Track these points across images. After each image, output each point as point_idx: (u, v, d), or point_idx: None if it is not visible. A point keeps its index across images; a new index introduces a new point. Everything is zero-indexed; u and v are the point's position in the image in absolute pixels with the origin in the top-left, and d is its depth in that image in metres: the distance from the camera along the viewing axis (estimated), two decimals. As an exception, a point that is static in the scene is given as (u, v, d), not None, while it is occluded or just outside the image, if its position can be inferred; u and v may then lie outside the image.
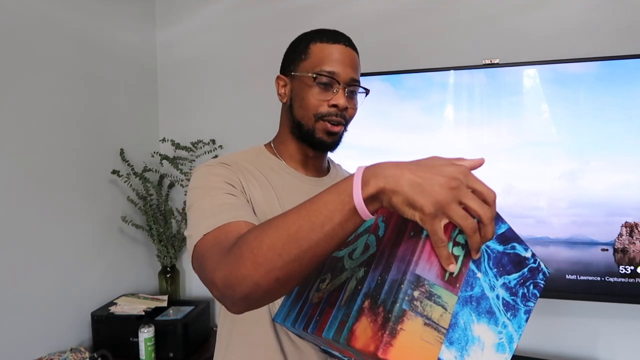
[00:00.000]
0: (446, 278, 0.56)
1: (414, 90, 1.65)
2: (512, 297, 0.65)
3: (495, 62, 1.58)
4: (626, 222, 1.45)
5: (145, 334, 1.64)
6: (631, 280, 1.45)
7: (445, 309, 0.55)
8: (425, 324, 0.54)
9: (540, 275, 0.69)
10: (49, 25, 1.63)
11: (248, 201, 0.83)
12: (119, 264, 1.94)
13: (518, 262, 0.66)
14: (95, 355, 1.58)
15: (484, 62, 1.59)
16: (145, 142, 2.11)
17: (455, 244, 0.57)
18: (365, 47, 1.95)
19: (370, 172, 0.53)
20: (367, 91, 0.94)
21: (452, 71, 1.61)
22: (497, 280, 0.63)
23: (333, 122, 0.87)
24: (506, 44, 1.72)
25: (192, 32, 2.14)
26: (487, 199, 0.53)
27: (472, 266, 0.60)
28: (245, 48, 2.06)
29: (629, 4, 1.61)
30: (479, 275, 0.61)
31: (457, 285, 0.57)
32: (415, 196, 0.51)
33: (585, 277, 1.48)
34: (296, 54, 0.92)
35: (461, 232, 0.56)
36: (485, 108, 1.59)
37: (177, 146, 2.02)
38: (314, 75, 0.87)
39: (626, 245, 1.45)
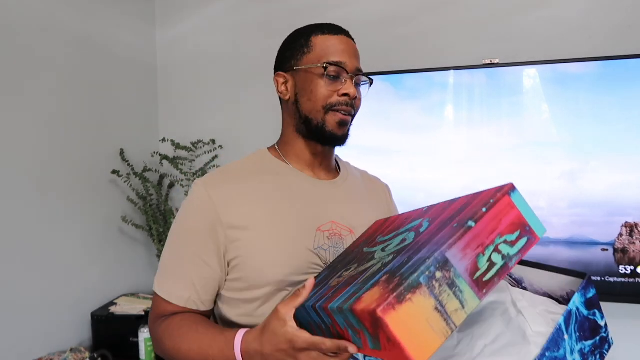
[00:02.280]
0: (475, 277, 0.54)
1: (414, 90, 1.65)
2: None
3: (495, 62, 1.58)
4: (626, 222, 1.45)
5: (145, 334, 1.64)
6: (631, 280, 1.45)
7: (463, 307, 0.53)
8: (437, 309, 0.51)
9: (607, 346, 0.69)
10: (49, 25, 1.63)
11: (215, 244, 0.84)
12: (119, 264, 1.94)
13: (594, 330, 0.66)
14: (95, 355, 1.58)
15: (484, 62, 1.60)
16: (145, 142, 2.11)
17: (497, 250, 0.56)
18: (365, 47, 1.95)
19: (249, 357, 0.72)
20: (371, 82, 0.93)
21: (452, 71, 1.61)
22: (577, 344, 0.63)
23: (344, 112, 0.86)
24: (506, 44, 1.72)
25: (192, 32, 2.14)
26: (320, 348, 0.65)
27: (562, 325, 0.60)
28: (245, 48, 2.06)
29: (629, 4, 1.61)
30: (565, 336, 0.61)
31: (484, 291, 0.55)
32: None
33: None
34: (296, 48, 0.90)
35: (505, 242, 0.56)
36: (485, 108, 1.59)
37: (177, 146, 2.02)
38: (324, 66, 0.85)
39: (626, 245, 1.45)
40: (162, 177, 2.07)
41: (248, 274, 0.83)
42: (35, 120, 1.57)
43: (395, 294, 0.49)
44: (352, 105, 0.87)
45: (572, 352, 0.63)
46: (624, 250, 1.45)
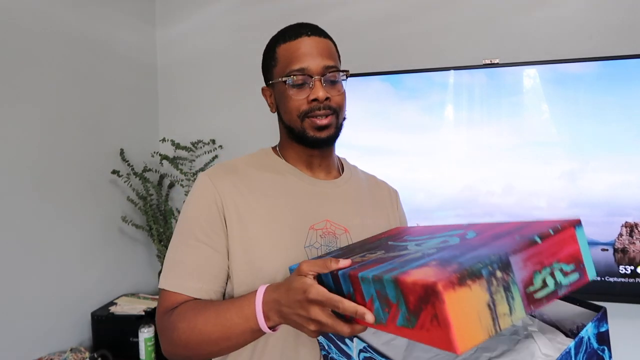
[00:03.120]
0: (528, 290, 0.54)
1: (414, 90, 1.65)
2: None
3: (495, 62, 1.58)
4: (626, 222, 1.45)
5: (145, 334, 1.64)
6: (631, 280, 1.45)
7: (511, 313, 0.52)
8: (489, 305, 0.50)
9: None
10: (49, 25, 1.62)
11: (223, 231, 0.85)
12: (119, 264, 1.94)
13: None
14: (95, 355, 1.58)
15: (484, 62, 1.59)
16: (145, 142, 2.11)
17: (552, 274, 0.57)
18: (365, 47, 1.96)
19: (268, 308, 0.71)
20: (346, 74, 0.90)
21: (452, 71, 1.61)
22: None
23: (319, 116, 0.84)
24: (506, 44, 1.72)
25: (192, 32, 2.14)
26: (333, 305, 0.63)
27: (572, 350, 0.60)
28: (246, 48, 2.06)
29: (629, 4, 1.61)
30: None
31: (532, 307, 0.55)
32: (296, 325, 0.69)
33: None
34: (268, 62, 0.91)
35: (561, 270, 0.58)
36: (485, 108, 1.59)
37: (177, 146, 2.02)
38: (284, 79, 0.85)
39: (626, 245, 1.45)
40: (162, 177, 2.07)
41: (239, 267, 0.84)
42: (35, 120, 1.57)
43: (457, 275, 0.49)
44: (328, 107, 0.85)
45: None
46: (624, 250, 1.45)
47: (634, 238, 1.45)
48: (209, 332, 0.75)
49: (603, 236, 1.47)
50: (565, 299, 0.73)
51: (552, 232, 0.58)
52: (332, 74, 0.86)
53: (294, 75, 0.84)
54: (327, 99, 0.84)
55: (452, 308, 0.47)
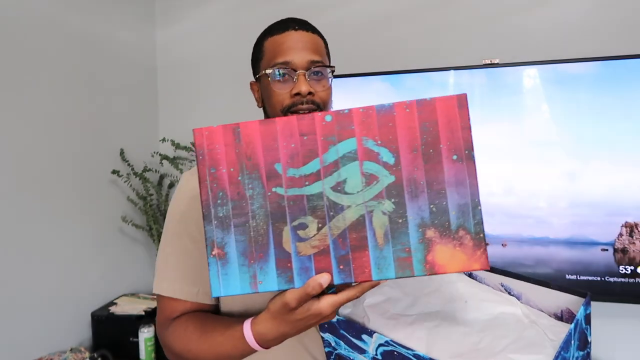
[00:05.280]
0: None
1: (414, 90, 1.64)
2: None
3: (495, 62, 1.58)
4: (626, 222, 1.45)
5: (145, 334, 1.64)
6: (631, 280, 1.45)
7: None
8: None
9: None
10: (49, 25, 1.62)
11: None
12: (119, 264, 1.94)
13: (585, 343, 0.71)
14: (95, 355, 1.58)
15: (484, 62, 1.59)
16: (145, 142, 2.11)
17: None
18: (365, 47, 1.96)
19: (261, 338, 0.69)
20: (332, 70, 0.88)
21: (452, 71, 1.61)
22: (576, 352, 0.68)
23: (302, 111, 0.82)
24: (506, 44, 1.72)
25: (192, 32, 2.14)
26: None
27: (572, 330, 0.65)
28: (246, 48, 2.04)
29: (629, 4, 1.61)
30: (572, 341, 0.65)
31: None
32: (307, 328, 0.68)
33: (585, 277, 1.48)
34: (255, 56, 0.90)
35: None
36: (485, 108, 1.59)
37: (177, 146, 2.01)
38: (268, 72, 0.84)
39: (626, 245, 1.45)
40: (162, 177, 2.07)
41: None
42: (35, 120, 1.57)
43: (483, 249, 0.59)
44: (311, 102, 0.83)
45: (572, 357, 0.67)
46: (624, 250, 1.45)
47: (634, 238, 1.45)
48: (204, 355, 0.77)
49: (603, 236, 1.47)
50: (550, 286, 0.82)
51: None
52: (318, 69, 0.85)
53: (277, 68, 0.83)
54: (310, 93, 0.82)
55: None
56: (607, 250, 1.47)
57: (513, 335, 0.73)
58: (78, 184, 1.74)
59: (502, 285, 0.87)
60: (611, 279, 1.46)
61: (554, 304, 0.81)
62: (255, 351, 0.72)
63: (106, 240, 1.87)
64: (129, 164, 1.94)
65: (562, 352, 0.63)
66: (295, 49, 0.84)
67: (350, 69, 1.64)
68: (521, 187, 1.55)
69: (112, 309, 1.75)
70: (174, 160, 1.98)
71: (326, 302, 0.62)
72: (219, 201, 0.63)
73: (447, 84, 1.61)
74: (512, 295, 0.84)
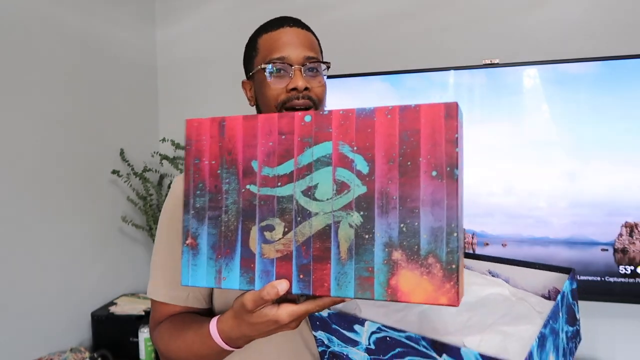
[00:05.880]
0: None
1: (414, 90, 1.64)
2: (566, 346, 0.68)
3: (495, 62, 1.58)
4: (626, 222, 1.45)
5: (145, 334, 1.64)
6: (631, 280, 1.45)
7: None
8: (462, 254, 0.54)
9: (579, 339, 0.73)
10: (49, 25, 1.62)
11: None
12: (119, 264, 1.94)
13: (574, 319, 0.69)
14: (95, 355, 1.58)
15: (484, 62, 1.59)
16: (145, 142, 2.11)
17: None
18: (365, 47, 1.96)
19: (225, 336, 0.69)
20: (328, 66, 0.87)
21: (452, 71, 1.61)
22: (564, 325, 0.66)
23: (298, 106, 0.82)
24: (506, 44, 1.72)
25: (192, 32, 2.14)
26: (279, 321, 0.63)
27: (559, 302, 0.63)
28: (245, 48, 2.06)
29: (629, 4, 1.61)
30: (560, 313, 0.64)
31: None
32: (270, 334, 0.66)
33: (585, 277, 1.48)
34: (249, 53, 0.90)
35: None
36: (485, 108, 1.59)
37: (177, 146, 2.01)
38: (264, 67, 0.83)
39: (626, 245, 1.45)
40: (162, 177, 2.07)
41: None
42: (35, 120, 1.57)
43: (453, 282, 0.50)
44: (307, 97, 0.82)
45: (561, 330, 0.66)
46: (624, 250, 1.45)
47: (634, 238, 1.45)
48: (181, 355, 0.78)
49: (603, 236, 1.47)
50: (535, 266, 0.83)
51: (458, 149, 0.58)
52: (313, 65, 0.84)
53: (273, 62, 0.83)
54: (306, 89, 0.82)
55: (460, 296, 0.52)
56: (607, 250, 1.47)
57: (502, 311, 0.74)
58: (78, 184, 1.74)
59: (490, 272, 0.88)
60: (611, 279, 1.46)
61: (541, 284, 0.82)
62: (232, 351, 0.72)
63: (106, 240, 1.88)
64: (129, 164, 1.94)
65: (550, 322, 0.62)
66: (291, 44, 0.84)
67: (350, 69, 1.64)
68: (521, 187, 1.55)
69: (112, 309, 1.75)
70: (174, 160, 1.98)
71: (284, 311, 0.60)
72: (198, 192, 0.62)
73: (447, 84, 1.61)
74: (502, 280, 0.87)
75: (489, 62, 1.59)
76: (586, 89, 1.49)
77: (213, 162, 0.62)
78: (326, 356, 0.80)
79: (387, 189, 0.54)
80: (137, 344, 1.66)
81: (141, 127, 2.10)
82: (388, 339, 0.66)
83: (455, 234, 0.51)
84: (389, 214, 0.54)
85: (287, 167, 0.58)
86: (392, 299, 0.53)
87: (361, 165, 0.55)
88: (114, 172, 1.85)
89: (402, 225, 0.53)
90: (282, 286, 0.57)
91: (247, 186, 0.60)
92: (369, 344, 0.70)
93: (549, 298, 0.80)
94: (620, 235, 1.46)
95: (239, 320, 0.65)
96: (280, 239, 0.58)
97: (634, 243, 1.45)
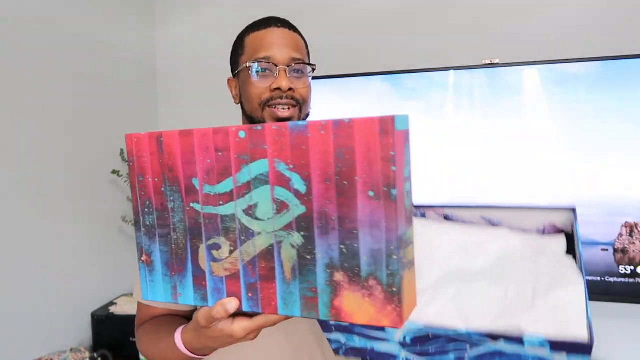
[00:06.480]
0: (408, 215, 0.52)
1: (414, 91, 1.65)
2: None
3: (495, 62, 1.58)
4: (626, 222, 1.45)
5: (145, 334, 1.64)
6: (631, 280, 1.45)
7: (412, 242, 0.52)
8: (413, 270, 0.52)
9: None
10: (49, 25, 1.63)
11: None
12: (119, 264, 1.94)
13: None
14: (95, 355, 1.59)
15: (484, 62, 1.59)
16: (145, 142, 2.11)
17: None
18: (365, 47, 1.96)
19: (190, 346, 0.70)
20: (313, 68, 0.87)
21: (452, 71, 1.61)
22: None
23: (282, 107, 0.82)
24: (506, 44, 1.72)
25: (192, 32, 2.14)
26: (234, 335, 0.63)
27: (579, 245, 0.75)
28: (245, 48, 2.06)
29: (629, 4, 1.61)
30: (582, 257, 0.75)
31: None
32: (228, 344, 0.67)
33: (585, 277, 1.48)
34: (235, 52, 0.90)
35: None
36: (485, 108, 1.59)
37: (177, 146, 2.02)
38: (249, 65, 0.83)
39: (626, 245, 1.45)
40: (162, 177, 2.07)
41: None
42: (35, 120, 1.57)
43: (395, 303, 0.49)
44: (290, 98, 0.82)
45: (583, 267, 0.76)
46: (624, 250, 1.45)
47: (634, 238, 1.45)
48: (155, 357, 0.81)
49: (603, 236, 1.47)
50: (533, 209, 0.88)
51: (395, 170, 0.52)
52: (299, 66, 0.85)
53: (259, 62, 0.83)
54: (290, 89, 0.82)
55: (406, 312, 0.51)
56: (607, 250, 1.47)
57: (530, 277, 0.74)
58: (78, 184, 1.74)
59: (483, 218, 0.90)
60: (611, 279, 1.46)
61: (534, 223, 0.85)
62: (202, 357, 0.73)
63: (106, 240, 1.88)
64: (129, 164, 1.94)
65: (584, 274, 0.70)
66: (278, 45, 0.84)
67: (350, 69, 1.64)
68: (521, 187, 1.55)
69: (112, 309, 1.75)
70: (174, 160, 1.98)
71: (238, 326, 0.60)
72: (146, 209, 0.62)
73: (447, 84, 1.61)
74: (494, 225, 0.89)
75: (489, 62, 1.59)
76: (586, 89, 1.49)
77: (156, 180, 0.61)
78: (342, 352, 0.79)
79: (326, 210, 0.52)
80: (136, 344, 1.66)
81: (141, 127, 2.10)
82: (430, 335, 0.66)
83: (394, 257, 0.49)
84: (329, 234, 0.52)
85: (226, 186, 0.57)
86: (337, 320, 0.52)
87: (298, 184, 0.53)
88: (114, 172, 1.85)
89: (342, 246, 0.52)
90: (231, 305, 0.58)
91: (191, 204, 0.59)
92: (404, 340, 0.70)
93: (543, 232, 0.86)
94: (620, 235, 1.46)
95: (199, 333, 0.66)
96: (227, 257, 0.58)
97: (634, 243, 1.45)
